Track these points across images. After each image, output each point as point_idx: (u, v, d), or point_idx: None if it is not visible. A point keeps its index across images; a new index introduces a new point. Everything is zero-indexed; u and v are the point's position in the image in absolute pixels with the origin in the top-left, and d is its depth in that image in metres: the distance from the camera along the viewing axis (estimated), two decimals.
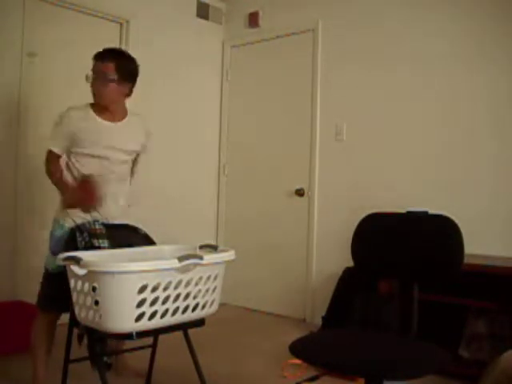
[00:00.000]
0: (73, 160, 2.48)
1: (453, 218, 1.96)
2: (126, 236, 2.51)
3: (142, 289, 1.78)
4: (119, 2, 3.98)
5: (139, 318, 1.80)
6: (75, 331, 2.16)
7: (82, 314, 1.87)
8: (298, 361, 2.70)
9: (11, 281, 3.40)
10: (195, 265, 1.91)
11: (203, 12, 4.65)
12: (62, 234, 2.44)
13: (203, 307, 2.02)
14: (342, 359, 1.67)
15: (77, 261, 1.80)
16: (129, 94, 2.57)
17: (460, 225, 1.94)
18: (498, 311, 2.85)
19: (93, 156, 2.45)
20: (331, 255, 3.97)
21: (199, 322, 2.08)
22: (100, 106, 2.50)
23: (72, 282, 1.88)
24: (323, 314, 3.61)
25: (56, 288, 2.26)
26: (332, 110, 4.10)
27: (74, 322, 2.10)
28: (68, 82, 3.65)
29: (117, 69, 2.42)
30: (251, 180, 4.60)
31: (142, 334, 1.89)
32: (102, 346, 2.36)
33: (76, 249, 2.30)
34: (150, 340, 2.45)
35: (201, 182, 4.67)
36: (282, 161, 4.39)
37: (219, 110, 4.84)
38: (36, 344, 2.46)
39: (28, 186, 3.49)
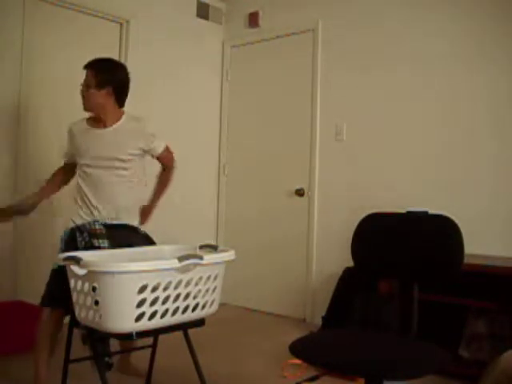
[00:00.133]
0: (78, 171, 2.59)
1: (453, 217, 1.96)
2: (126, 236, 2.51)
3: (142, 289, 1.78)
4: (119, 2, 3.99)
5: (139, 318, 1.80)
6: (77, 331, 2.16)
7: (82, 314, 1.87)
8: (298, 361, 2.70)
9: (11, 281, 3.40)
10: (195, 265, 1.91)
11: (203, 12, 4.66)
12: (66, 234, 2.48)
13: (203, 307, 2.02)
14: (342, 359, 1.67)
15: (77, 261, 1.80)
16: (119, 100, 2.56)
17: (460, 225, 1.94)
18: (498, 311, 2.85)
19: (88, 165, 2.52)
20: (331, 255, 3.97)
21: (199, 322, 2.08)
22: (93, 116, 2.57)
23: (72, 282, 1.88)
24: (323, 314, 3.61)
25: (61, 284, 2.24)
26: (332, 110, 4.10)
27: (74, 322, 2.10)
28: (68, 82, 3.65)
29: (96, 75, 2.49)
30: (251, 180, 4.60)
31: (141, 334, 1.89)
32: (104, 346, 2.37)
33: (76, 249, 2.30)
34: (150, 340, 2.45)
35: (201, 181, 4.67)
36: (282, 161, 4.39)
37: (219, 110, 4.84)
38: (40, 343, 2.44)
39: (28, 186, 3.48)
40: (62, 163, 2.72)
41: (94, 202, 2.50)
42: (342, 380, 2.76)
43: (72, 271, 1.85)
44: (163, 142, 2.69)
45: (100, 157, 2.50)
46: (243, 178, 4.66)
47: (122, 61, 4.05)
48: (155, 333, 2.10)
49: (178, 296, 1.90)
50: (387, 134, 3.79)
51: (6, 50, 3.41)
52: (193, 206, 4.53)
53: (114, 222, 2.53)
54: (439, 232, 1.99)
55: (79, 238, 2.39)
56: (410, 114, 3.68)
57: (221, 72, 4.83)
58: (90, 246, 2.36)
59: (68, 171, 2.69)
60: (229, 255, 2.08)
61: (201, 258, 1.92)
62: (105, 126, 2.54)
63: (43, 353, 2.44)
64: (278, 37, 4.46)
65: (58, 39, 3.68)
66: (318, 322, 3.77)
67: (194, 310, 1.98)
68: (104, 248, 2.37)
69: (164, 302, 1.86)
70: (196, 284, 1.95)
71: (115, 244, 2.39)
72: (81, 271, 1.79)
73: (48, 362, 2.46)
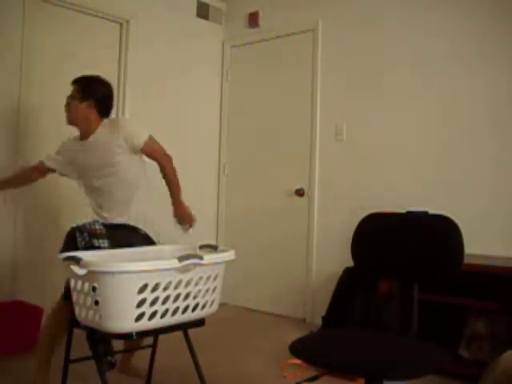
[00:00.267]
0: (76, 181, 2.71)
1: (453, 217, 1.96)
2: (126, 236, 2.51)
3: (142, 289, 1.78)
4: (119, 2, 3.98)
5: (139, 318, 1.80)
6: (77, 332, 2.16)
7: (82, 314, 1.87)
8: (298, 361, 2.70)
9: (11, 281, 3.40)
10: (195, 265, 1.91)
11: (203, 12, 4.65)
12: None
13: (203, 307, 2.02)
14: (342, 359, 1.67)
15: (77, 261, 1.80)
16: (101, 112, 2.61)
17: (460, 225, 1.94)
18: (498, 311, 2.85)
19: (80, 177, 2.65)
20: (331, 255, 3.97)
21: (199, 322, 2.08)
22: (78, 133, 2.68)
23: (72, 282, 1.88)
24: (323, 314, 3.61)
25: None
26: (332, 110, 4.10)
27: (74, 322, 2.10)
28: (68, 82, 3.65)
29: (79, 89, 2.61)
30: (251, 180, 4.60)
31: (141, 334, 1.89)
32: (106, 345, 2.37)
33: (76, 249, 2.30)
34: (150, 340, 2.45)
35: (201, 181, 4.66)
36: (282, 161, 4.39)
37: (219, 110, 4.83)
38: (47, 329, 2.47)
39: (28, 186, 3.48)
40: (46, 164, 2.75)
41: (96, 207, 2.61)
42: (342, 380, 2.76)
43: (72, 271, 1.85)
44: (145, 134, 2.61)
45: (88, 167, 2.59)
46: (243, 178, 4.66)
47: (122, 61, 4.07)
48: (155, 333, 2.10)
49: (178, 296, 1.90)
50: (387, 133, 3.79)
51: (5, 50, 3.41)
52: (193, 205, 4.49)
53: (114, 221, 2.54)
54: (439, 232, 1.99)
55: (79, 238, 2.39)
56: (410, 114, 3.68)
57: (221, 72, 4.83)
58: (90, 246, 2.36)
59: (39, 172, 2.78)
60: (229, 255, 2.08)
61: (201, 258, 1.92)
62: (87, 138, 2.60)
63: (44, 352, 2.45)
64: (278, 37, 4.46)
65: (58, 39, 3.68)
66: (318, 322, 3.77)
67: (194, 309, 1.98)
68: (104, 248, 2.37)
69: (164, 302, 1.86)
70: (196, 284, 1.95)
71: (115, 244, 2.40)
72: (81, 271, 1.79)
73: (49, 363, 2.47)
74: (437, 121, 3.55)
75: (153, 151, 2.63)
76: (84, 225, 2.44)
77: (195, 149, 4.56)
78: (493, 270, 2.82)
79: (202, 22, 4.66)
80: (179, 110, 4.44)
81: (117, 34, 4.07)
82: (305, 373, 2.84)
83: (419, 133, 3.62)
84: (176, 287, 1.88)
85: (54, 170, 2.73)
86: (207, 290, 2.01)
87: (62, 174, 2.75)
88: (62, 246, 2.45)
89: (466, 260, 1.95)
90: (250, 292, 4.50)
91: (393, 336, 1.97)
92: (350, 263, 2.19)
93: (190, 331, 2.19)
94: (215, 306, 2.09)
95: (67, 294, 2.44)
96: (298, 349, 1.75)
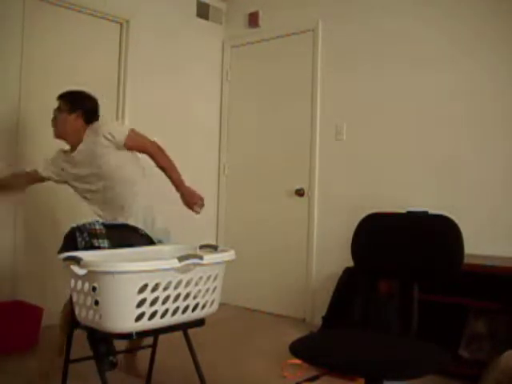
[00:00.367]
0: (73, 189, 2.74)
1: (453, 218, 1.96)
2: (126, 236, 2.51)
3: (142, 289, 1.78)
4: (119, 2, 3.98)
5: (139, 317, 1.80)
6: (77, 332, 2.15)
7: (82, 314, 1.87)
8: (297, 361, 2.70)
9: (11, 281, 3.40)
10: (195, 265, 1.91)
11: (203, 12, 4.65)
12: None
13: (203, 307, 2.02)
14: (342, 359, 1.67)
15: (77, 261, 1.80)
16: (87, 120, 2.63)
17: (460, 225, 1.94)
18: (498, 311, 2.85)
19: (74, 187, 2.69)
20: (331, 255, 3.97)
21: (199, 322, 2.08)
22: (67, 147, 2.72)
23: (72, 282, 1.88)
24: (323, 314, 3.61)
25: None
26: (332, 110, 4.10)
27: (74, 322, 2.10)
28: (68, 83, 3.65)
29: (66, 102, 2.63)
30: (251, 180, 4.60)
31: (141, 334, 1.89)
32: (108, 345, 2.37)
33: (76, 249, 2.30)
34: (150, 340, 2.45)
35: (201, 182, 4.65)
36: (282, 161, 4.39)
37: (219, 110, 4.84)
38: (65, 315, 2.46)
39: (28, 187, 3.48)
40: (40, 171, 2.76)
41: (95, 208, 2.64)
42: (342, 380, 2.76)
43: (72, 271, 1.85)
44: (126, 129, 2.63)
45: (82, 177, 2.62)
46: (243, 177, 4.66)
47: (122, 61, 4.07)
48: (155, 333, 2.10)
49: (178, 296, 1.90)
50: (387, 133, 3.79)
51: (5, 49, 3.41)
52: None
53: (114, 221, 2.54)
54: (439, 232, 1.99)
55: (79, 238, 2.39)
56: (410, 114, 3.68)
57: (221, 72, 4.83)
58: (89, 246, 2.36)
59: (31, 180, 2.83)
60: (229, 255, 2.07)
61: (201, 257, 1.92)
62: (75, 149, 2.63)
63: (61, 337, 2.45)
64: (278, 37, 4.46)
65: (57, 39, 3.68)
66: (318, 322, 3.77)
67: (194, 309, 1.98)
68: (104, 248, 2.37)
69: (164, 302, 1.86)
70: (196, 284, 1.95)
71: (115, 244, 2.40)
72: (81, 271, 1.79)
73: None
74: (437, 121, 3.55)
75: (137, 144, 2.63)
76: (84, 225, 2.44)
77: (195, 149, 4.57)
78: (493, 270, 2.82)
79: (202, 21, 4.66)
80: (179, 110, 4.44)
81: (117, 34, 4.07)
82: (305, 373, 2.84)
83: (419, 133, 3.62)
84: (176, 287, 1.88)
85: (49, 179, 2.76)
86: (207, 290, 2.01)
87: (57, 182, 2.76)
88: (61, 245, 2.45)
89: (466, 260, 1.95)
90: (250, 292, 4.50)
91: (393, 336, 1.97)
92: (350, 263, 2.19)
93: (190, 331, 2.19)
94: (215, 306, 2.09)
95: None
96: (298, 349, 1.75)
